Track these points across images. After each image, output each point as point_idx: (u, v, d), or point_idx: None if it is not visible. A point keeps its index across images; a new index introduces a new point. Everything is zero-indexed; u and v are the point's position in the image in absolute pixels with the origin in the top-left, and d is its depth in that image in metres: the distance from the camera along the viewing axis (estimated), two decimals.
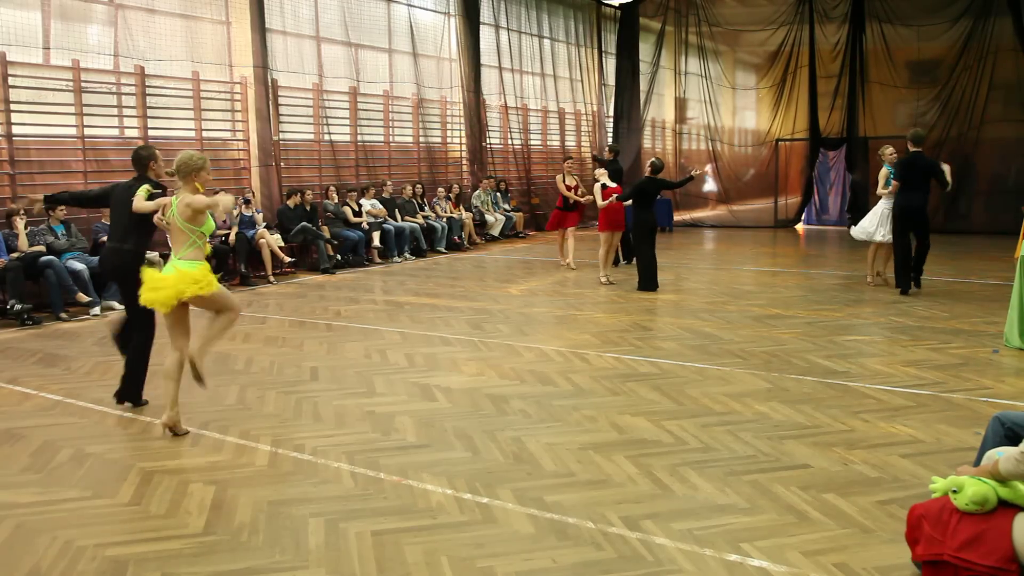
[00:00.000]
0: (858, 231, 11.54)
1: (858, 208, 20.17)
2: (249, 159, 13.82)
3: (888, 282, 11.38)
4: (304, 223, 13.46)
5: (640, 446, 5.30)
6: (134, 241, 6.17)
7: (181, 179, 5.58)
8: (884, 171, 11.20)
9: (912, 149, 10.63)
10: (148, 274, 5.53)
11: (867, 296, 10.73)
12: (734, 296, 10.97)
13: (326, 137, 15.19)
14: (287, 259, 12.85)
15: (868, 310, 9.81)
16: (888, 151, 11.49)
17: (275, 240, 12.82)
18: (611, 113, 23.36)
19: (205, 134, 13.16)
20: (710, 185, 23.10)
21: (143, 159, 6.24)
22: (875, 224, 11.26)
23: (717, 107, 22.56)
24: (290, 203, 13.60)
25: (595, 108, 22.97)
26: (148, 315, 6.01)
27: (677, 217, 21.74)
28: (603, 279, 11.90)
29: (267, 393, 6.60)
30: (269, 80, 13.76)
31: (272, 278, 12.54)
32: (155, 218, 5.81)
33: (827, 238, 19.27)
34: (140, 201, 5.87)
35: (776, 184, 21.73)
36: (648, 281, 11.29)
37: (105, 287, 10.29)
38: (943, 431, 5.54)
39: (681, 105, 23.48)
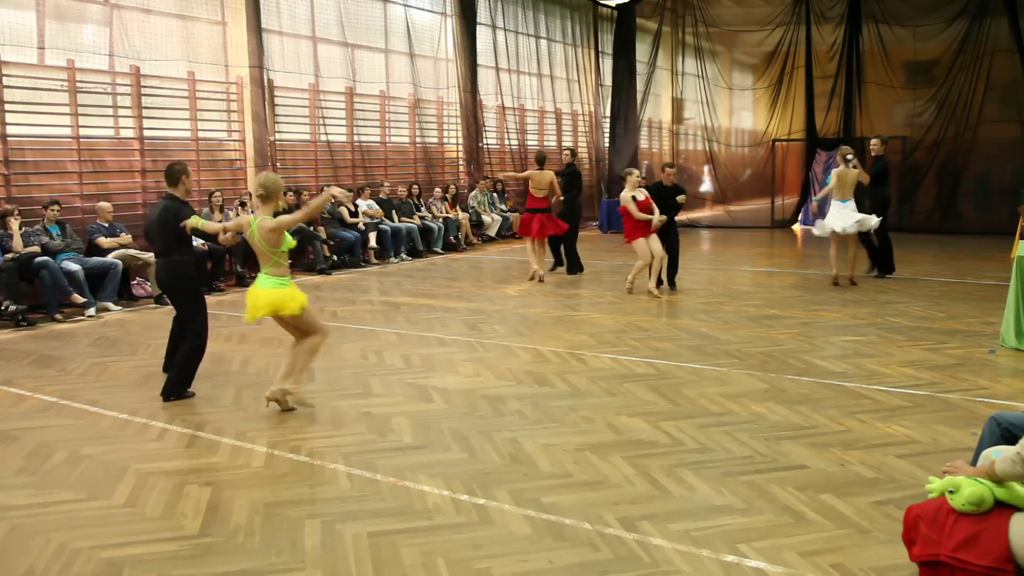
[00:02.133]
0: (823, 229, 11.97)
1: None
2: (245, 160, 13.80)
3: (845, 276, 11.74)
4: (300, 224, 13.43)
5: (637, 447, 5.30)
6: (180, 251, 6.62)
7: (261, 201, 6.03)
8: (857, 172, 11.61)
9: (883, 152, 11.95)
10: (251, 292, 6.08)
11: (864, 297, 10.75)
12: (731, 296, 10.98)
13: (322, 137, 15.17)
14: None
15: (865, 310, 9.83)
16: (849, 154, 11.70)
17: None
18: (608, 114, 23.37)
19: (201, 134, 13.14)
20: (707, 185, 23.13)
21: (176, 173, 6.65)
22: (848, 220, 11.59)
23: (714, 107, 22.58)
24: (287, 203, 13.58)
25: (592, 109, 22.98)
26: (204, 321, 6.65)
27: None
28: (654, 291, 10.95)
29: (262, 394, 6.56)
30: (265, 80, 13.75)
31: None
32: (222, 237, 6.57)
33: (826, 238, 19.25)
34: (211, 225, 6.65)
35: (773, 184, 21.73)
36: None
37: (101, 288, 10.28)
38: (940, 431, 5.56)
39: (678, 105, 23.50)
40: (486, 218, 18.18)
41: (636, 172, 11.06)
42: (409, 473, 4.89)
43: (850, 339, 8.34)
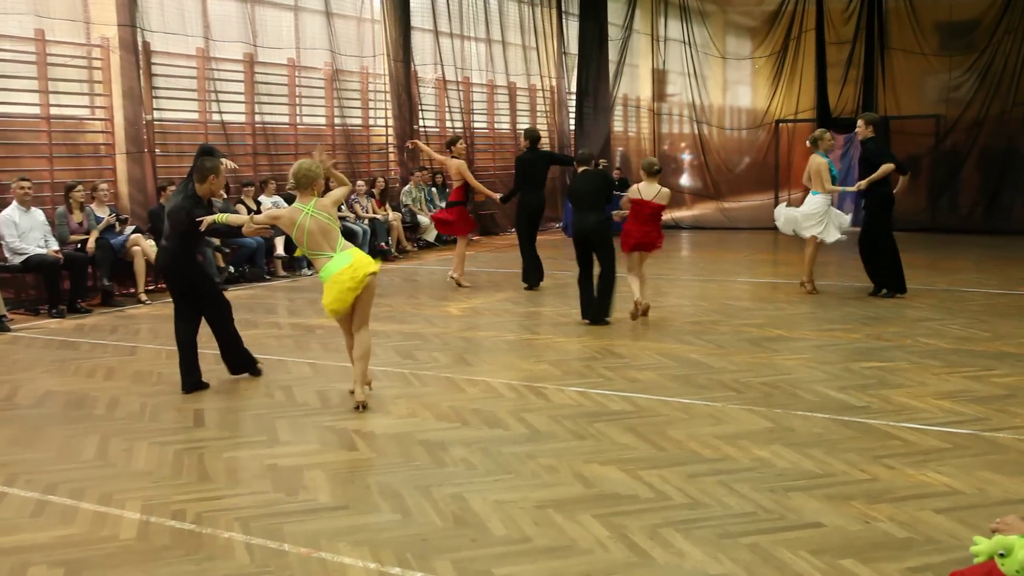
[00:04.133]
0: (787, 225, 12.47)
1: None
2: (113, 144, 13.61)
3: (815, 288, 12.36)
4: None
5: (612, 502, 5.30)
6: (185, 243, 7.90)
7: (301, 189, 7.11)
8: (821, 162, 11.87)
9: (872, 135, 11.84)
10: (340, 272, 7.00)
11: (890, 313, 10.92)
12: (726, 314, 11.07)
13: (214, 117, 15.05)
14: None
15: (891, 330, 9.97)
16: (828, 136, 12.12)
17: (151, 248, 12.60)
18: (573, 89, 23.50)
19: (54, 111, 12.88)
20: (693, 178, 23.35)
21: (205, 171, 7.76)
22: (822, 222, 12.02)
23: (704, 81, 22.83)
24: (165, 201, 13.39)
25: (553, 82, 23.11)
26: (219, 294, 8.30)
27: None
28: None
29: (136, 444, 6.48)
30: (139, 43, 13.59)
31: (145, 296, 12.33)
32: (246, 229, 7.45)
33: (839, 242, 19.52)
34: (235, 218, 7.68)
35: (777, 176, 22.00)
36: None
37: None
38: (986, 479, 5.63)
39: (660, 79, 23.71)
40: (423, 219, 18.15)
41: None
42: (326, 542, 4.83)
43: (874, 366, 8.44)
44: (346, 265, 6.98)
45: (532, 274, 13.09)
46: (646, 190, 10.47)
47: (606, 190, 10.68)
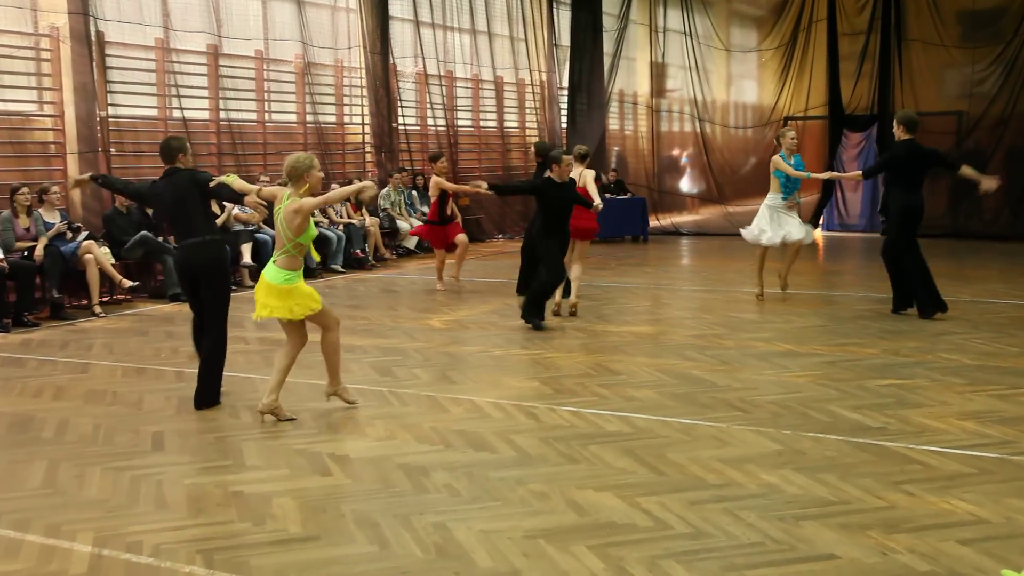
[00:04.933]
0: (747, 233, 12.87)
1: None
2: (64, 143, 13.59)
3: (787, 285, 12.90)
4: (144, 232, 13.26)
5: (608, 532, 5.29)
6: (212, 230, 8.08)
7: (292, 183, 7.30)
8: (774, 159, 12.32)
9: (906, 136, 11.30)
10: (262, 286, 7.34)
11: (909, 327, 10.94)
12: (731, 327, 11.09)
13: (175, 113, 15.05)
14: (127, 283, 12.61)
15: (911, 345, 10.00)
16: (790, 135, 12.34)
17: (105, 255, 12.57)
18: (565, 84, 23.55)
19: None
20: (695, 181, 23.39)
21: (173, 151, 8.05)
22: (766, 225, 12.45)
23: (706, 76, 22.91)
24: (120, 205, 13.37)
25: (544, 77, 23.16)
26: (225, 315, 8.06)
27: (653, 222, 21.95)
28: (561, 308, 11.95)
29: (88, 470, 6.45)
30: (92, 33, 13.58)
31: (99, 308, 12.29)
32: (248, 199, 7.59)
33: (854, 248, 19.62)
34: (245, 185, 7.71)
35: None
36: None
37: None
38: (1015, 507, 5.63)
39: (659, 73, 23.79)
40: (402, 224, 18.15)
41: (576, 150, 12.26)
42: None
43: (891, 383, 8.46)
44: (262, 280, 7.37)
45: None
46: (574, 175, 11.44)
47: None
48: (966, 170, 11.43)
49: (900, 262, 11.38)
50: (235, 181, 7.78)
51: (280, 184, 7.59)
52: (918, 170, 11.29)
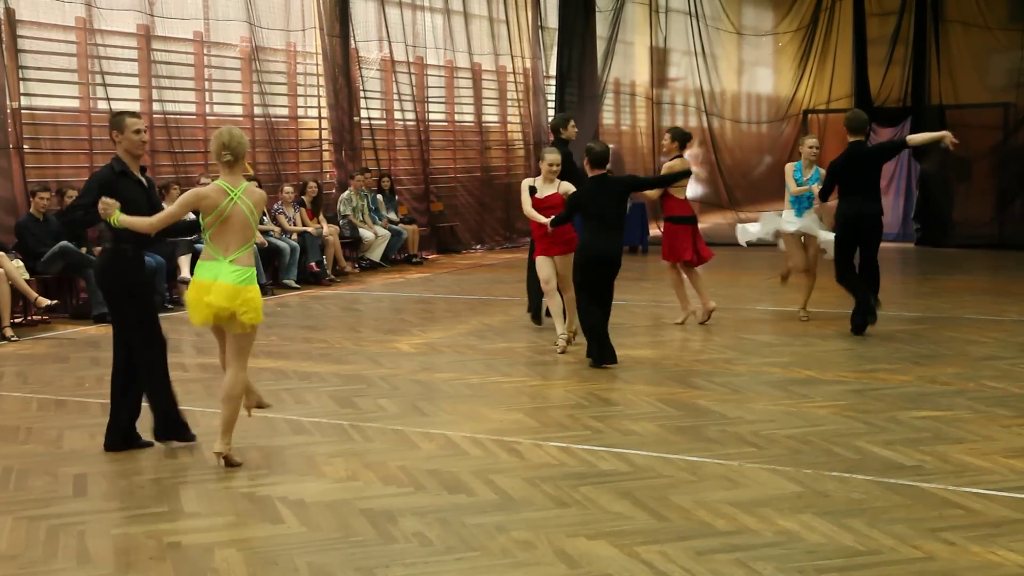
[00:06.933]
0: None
1: (930, 214, 20.45)
2: None
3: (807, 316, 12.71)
4: (64, 242, 13.19)
5: None
6: (116, 238, 7.72)
7: (228, 167, 7.21)
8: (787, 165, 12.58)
9: (851, 139, 11.61)
10: (203, 286, 7.17)
11: (947, 350, 10.98)
12: (743, 351, 11.12)
13: (100, 105, 15.03)
14: (44, 301, 12.52)
15: (950, 371, 10.03)
16: (808, 141, 12.62)
17: (17, 270, 12.51)
18: (553, 72, 23.58)
19: None
20: (701, 183, 23.41)
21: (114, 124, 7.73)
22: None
23: (714, 62, 22.95)
24: (36, 210, 13.29)
25: (528, 64, 23.19)
26: (156, 326, 7.95)
27: (654, 231, 21.92)
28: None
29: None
30: (1, 11, 13.55)
31: (10, 331, 12.21)
32: (140, 222, 7.42)
33: (885, 260, 19.60)
34: (126, 218, 7.39)
35: None
36: (600, 350, 10.54)
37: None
38: None
39: (660, 59, 23.80)
40: (366, 233, 18.13)
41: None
42: None
43: (927, 415, 8.47)
44: (201, 281, 7.25)
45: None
46: (543, 186, 11.00)
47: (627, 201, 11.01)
48: (915, 138, 11.88)
49: (851, 277, 11.75)
50: (121, 218, 7.36)
51: (224, 161, 7.25)
52: (863, 174, 11.45)
